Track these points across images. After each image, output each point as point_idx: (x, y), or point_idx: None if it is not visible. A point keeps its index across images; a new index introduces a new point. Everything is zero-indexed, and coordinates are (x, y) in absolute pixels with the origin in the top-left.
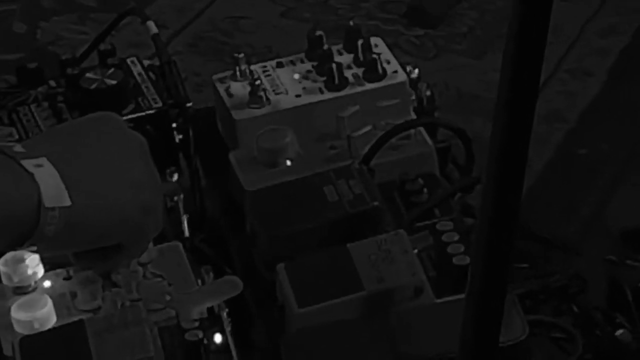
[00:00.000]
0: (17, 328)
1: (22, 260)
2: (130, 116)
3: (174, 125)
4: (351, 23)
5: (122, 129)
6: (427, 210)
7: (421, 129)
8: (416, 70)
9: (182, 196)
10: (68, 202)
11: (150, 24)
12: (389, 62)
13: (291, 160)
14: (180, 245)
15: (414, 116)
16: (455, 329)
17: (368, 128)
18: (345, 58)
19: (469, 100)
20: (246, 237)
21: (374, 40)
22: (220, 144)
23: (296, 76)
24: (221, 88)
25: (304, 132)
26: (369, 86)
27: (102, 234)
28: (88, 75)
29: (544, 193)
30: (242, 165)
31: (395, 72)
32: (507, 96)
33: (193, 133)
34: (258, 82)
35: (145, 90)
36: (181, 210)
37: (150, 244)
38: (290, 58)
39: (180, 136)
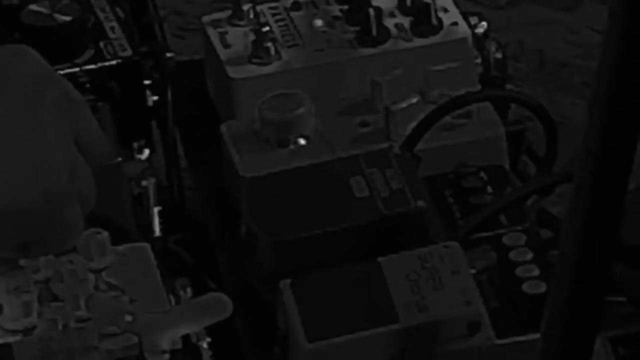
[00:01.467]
0: None
1: None
2: (87, 67)
3: (147, 82)
4: None
5: (38, 75)
6: (491, 216)
7: (487, 104)
8: (483, 24)
9: (153, 181)
10: None
11: None
12: (446, 11)
13: (306, 139)
14: (149, 247)
15: (477, 87)
16: None
17: (414, 100)
18: (387, 1)
19: (554, 69)
20: (240, 242)
21: None
22: (210, 112)
23: (318, 23)
24: (214, 34)
25: (326, 101)
26: (418, 42)
27: None
28: (32, 7)
29: None
30: (238, 142)
31: (455, 24)
32: (613, 67)
33: (172, 94)
34: (265, 28)
35: (109, 31)
36: (151, 200)
37: (106, 242)
38: None
39: (155, 98)
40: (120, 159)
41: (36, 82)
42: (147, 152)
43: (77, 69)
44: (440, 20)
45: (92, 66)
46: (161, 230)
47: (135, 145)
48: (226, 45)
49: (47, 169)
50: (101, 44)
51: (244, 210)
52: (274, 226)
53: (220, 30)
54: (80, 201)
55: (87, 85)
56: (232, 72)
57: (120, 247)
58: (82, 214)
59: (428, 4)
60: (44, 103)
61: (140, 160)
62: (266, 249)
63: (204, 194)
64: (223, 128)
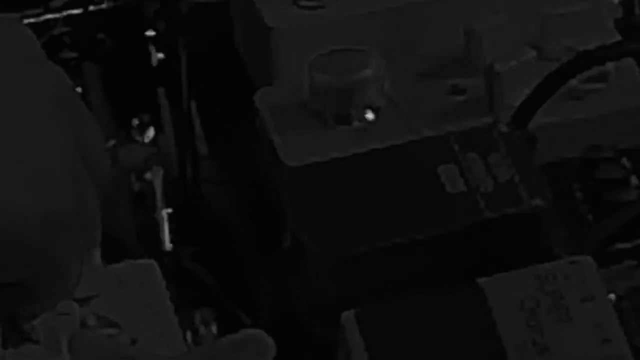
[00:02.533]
0: None
1: None
2: (66, 12)
3: (150, 33)
4: None
5: (31, 58)
6: (636, 220)
7: (630, 62)
8: None
9: (161, 171)
10: None
11: None
12: None
13: (375, 112)
14: (155, 265)
15: (616, 37)
16: None
17: (527, 56)
18: None
19: None
20: (283, 257)
21: None
22: (239, 75)
23: None
24: None
25: (402, 59)
26: None
27: None
28: None
29: None
30: (279, 117)
31: None
32: None
33: (187, 51)
34: None
35: None
36: (158, 198)
37: (96, 260)
38: None
39: (161, 55)
40: (114, 142)
41: (29, 67)
42: (151, 131)
43: (52, 16)
44: None
45: (74, 11)
46: (172, 241)
47: (135, 122)
48: None
49: (48, 185)
50: None
51: (289, 214)
52: (332, 236)
53: None
54: (84, 234)
55: (67, 39)
56: (271, 19)
57: (116, 266)
58: (85, 252)
59: None
60: (41, 97)
61: (142, 143)
62: (321, 268)
63: (232, 190)
64: (258, 98)
